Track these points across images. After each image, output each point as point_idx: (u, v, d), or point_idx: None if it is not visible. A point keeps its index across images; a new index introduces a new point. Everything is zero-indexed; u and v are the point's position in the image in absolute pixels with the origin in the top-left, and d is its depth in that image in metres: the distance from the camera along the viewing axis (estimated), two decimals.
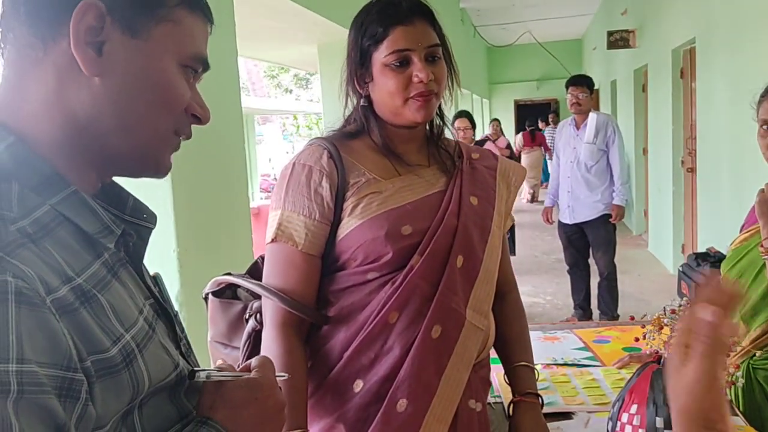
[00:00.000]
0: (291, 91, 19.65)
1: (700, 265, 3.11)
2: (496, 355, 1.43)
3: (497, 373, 1.69)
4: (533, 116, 14.41)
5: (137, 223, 0.76)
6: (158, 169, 0.77)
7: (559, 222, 4.98)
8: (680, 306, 1.22)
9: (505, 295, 1.43)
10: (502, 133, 11.00)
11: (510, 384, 1.39)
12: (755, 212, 1.54)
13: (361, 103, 1.31)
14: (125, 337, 0.64)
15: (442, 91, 1.28)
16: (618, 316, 4.79)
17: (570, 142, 4.85)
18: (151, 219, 0.78)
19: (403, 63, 1.23)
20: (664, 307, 1.25)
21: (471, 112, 6.02)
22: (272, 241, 1.26)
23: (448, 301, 1.23)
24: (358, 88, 1.30)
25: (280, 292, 1.24)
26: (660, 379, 1.21)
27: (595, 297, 4.96)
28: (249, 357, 1.32)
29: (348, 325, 1.25)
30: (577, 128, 4.82)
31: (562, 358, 1.92)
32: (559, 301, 5.63)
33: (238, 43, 2.59)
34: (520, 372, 1.38)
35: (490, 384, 1.42)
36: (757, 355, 1.56)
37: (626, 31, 8.12)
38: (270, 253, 1.28)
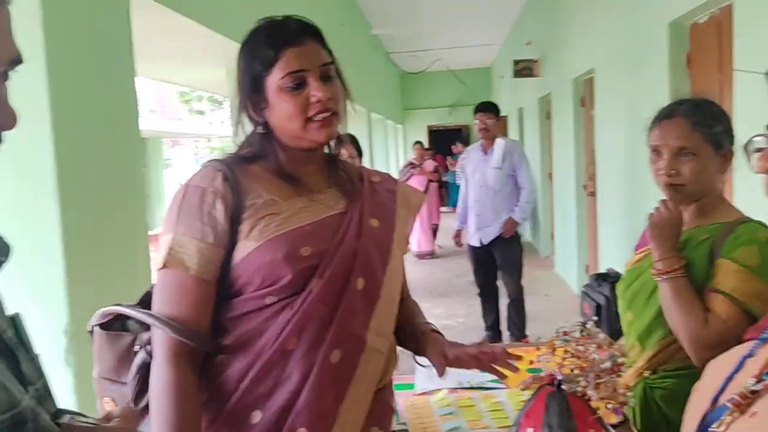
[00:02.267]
0: (205, 113, 19.12)
1: (600, 285, 3.21)
2: (400, 381, 1.41)
3: (403, 399, 1.67)
4: (446, 141, 14.72)
5: None
6: None
7: (469, 245, 5.07)
8: (573, 327, 1.24)
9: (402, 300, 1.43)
10: (431, 156, 10.75)
11: (415, 341, 1.38)
12: (647, 235, 1.59)
13: (259, 130, 1.28)
14: None
15: (340, 110, 1.27)
16: (526, 336, 4.90)
17: (478, 167, 4.96)
18: (2, 252, 0.71)
19: (299, 85, 1.22)
20: (557, 330, 1.27)
21: (366, 138, 5.82)
22: (162, 267, 1.20)
23: (347, 324, 1.21)
24: (253, 114, 1.27)
25: (171, 320, 1.17)
26: (554, 401, 1.22)
27: (506, 319, 5.06)
28: (140, 392, 1.24)
29: (245, 353, 1.20)
30: (485, 153, 4.94)
31: (468, 382, 1.92)
32: (472, 322, 5.70)
33: (143, 65, 2.50)
34: (423, 328, 1.39)
35: (394, 410, 1.39)
36: (645, 375, 1.59)
37: (531, 60, 8.47)
38: (160, 280, 1.22)
